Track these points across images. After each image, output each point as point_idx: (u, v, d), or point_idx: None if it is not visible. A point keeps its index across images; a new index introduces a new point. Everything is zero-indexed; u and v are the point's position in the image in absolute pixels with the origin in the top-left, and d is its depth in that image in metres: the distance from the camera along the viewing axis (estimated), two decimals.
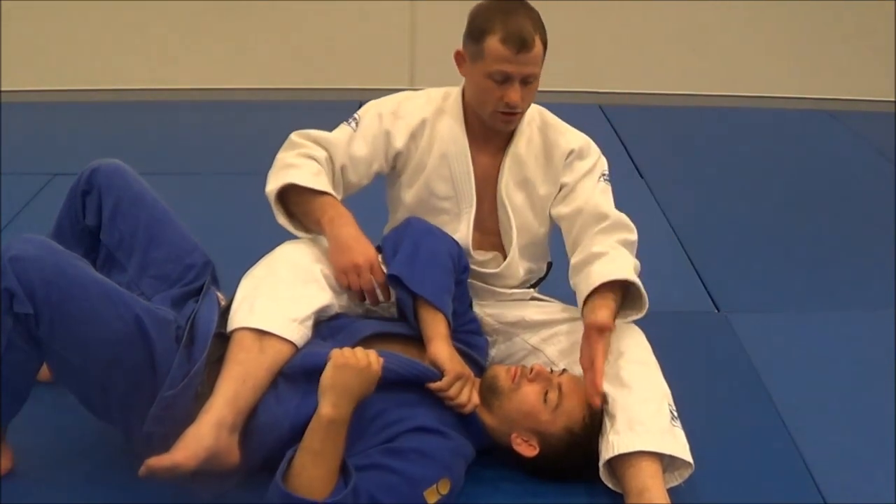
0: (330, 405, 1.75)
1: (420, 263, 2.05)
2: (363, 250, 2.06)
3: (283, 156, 2.18)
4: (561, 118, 2.29)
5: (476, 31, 2.05)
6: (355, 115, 2.23)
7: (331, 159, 2.18)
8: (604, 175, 2.25)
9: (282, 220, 2.16)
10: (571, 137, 2.24)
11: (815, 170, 4.01)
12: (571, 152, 2.21)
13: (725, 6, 4.72)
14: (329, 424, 1.75)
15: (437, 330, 2.01)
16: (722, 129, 4.55)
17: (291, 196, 2.14)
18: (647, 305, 2.13)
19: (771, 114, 4.73)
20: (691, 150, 4.25)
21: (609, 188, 2.26)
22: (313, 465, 1.74)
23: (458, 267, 2.13)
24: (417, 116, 2.20)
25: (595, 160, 2.24)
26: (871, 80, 4.80)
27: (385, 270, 2.08)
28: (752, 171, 3.98)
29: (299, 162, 2.15)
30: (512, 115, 2.10)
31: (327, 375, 1.77)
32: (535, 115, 2.23)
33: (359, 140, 2.19)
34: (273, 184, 2.14)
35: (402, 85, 4.70)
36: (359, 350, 1.80)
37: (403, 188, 2.25)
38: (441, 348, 1.98)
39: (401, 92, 2.27)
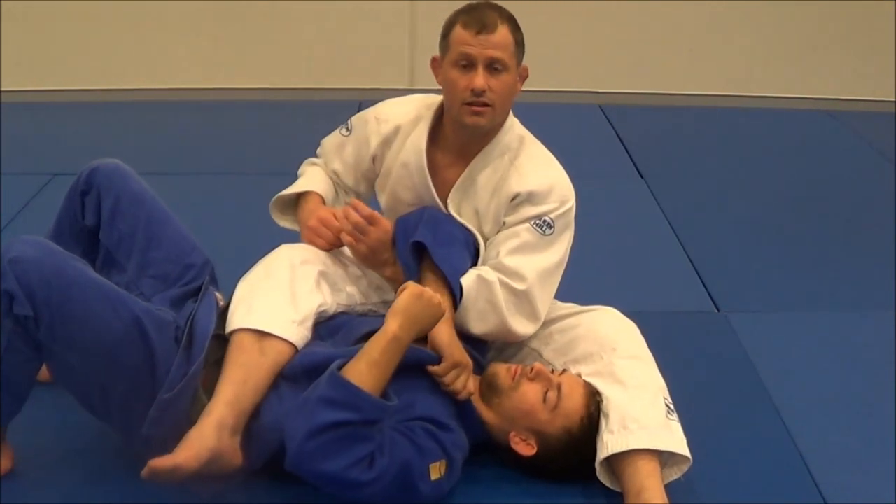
0: (397, 325, 1.84)
1: (441, 240, 2.06)
2: (319, 210, 2.17)
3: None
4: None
5: (445, 29, 2.09)
6: (349, 121, 2.29)
7: (326, 165, 2.31)
8: (548, 223, 2.08)
9: (285, 224, 2.33)
10: (531, 179, 2.10)
11: (815, 170, 4.01)
12: (517, 196, 2.09)
13: (725, 6, 4.72)
14: (392, 340, 1.82)
15: None
16: (722, 129, 4.55)
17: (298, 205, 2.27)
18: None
19: (771, 114, 4.73)
20: (691, 150, 4.25)
21: (542, 240, 2.07)
22: (368, 370, 1.79)
23: (473, 254, 2.13)
24: (393, 122, 2.20)
25: (548, 208, 2.08)
26: (871, 80, 4.80)
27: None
28: (752, 171, 3.98)
29: (303, 170, 2.33)
30: (480, 109, 2.04)
31: (402, 300, 1.86)
32: (514, 142, 2.14)
33: (350, 145, 2.26)
34: (274, 198, 2.30)
35: (402, 85, 4.70)
36: (429, 289, 1.90)
37: (378, 193, 2.28)
38: (442, 332, 1.97)
39: (398, 98, 2.27)
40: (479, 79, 2.02)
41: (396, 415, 1.86)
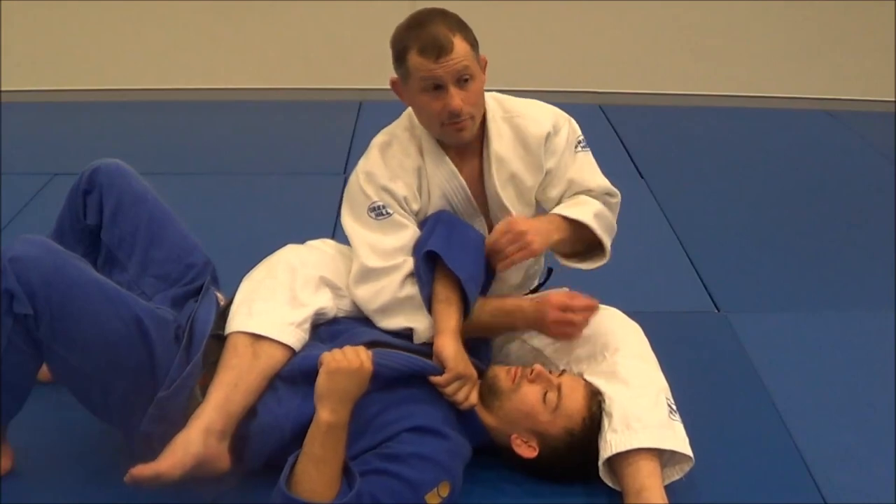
0: (328, 411, 1.76)
1: (456, 246, 2.04)
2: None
3: (383, 287, 2.07)
4: None
5: (398, 54, 2.02)
6: (379, 204, 2.08)
7: (399, 267, 2.10)
8: (579, 142, 2.21)
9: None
10: (540, 119, 2.17)
11: (815, 170, 4.01)
12: (547, 136, 2.15)
13: (726, 6, 4.72)
14: (329, 429, 1.75)
15: (447, 322, 2.00)
16: (722, 129, 4.55)
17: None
18: (608, 255, 2.22)
19: (771, 114, 4.73)
20: (691, 150, 4.24)
21: (588, 155, 2.23)
22: (316, 471, 1.74)
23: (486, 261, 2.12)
24: (411, 169, 2.12)
25: (567, 131, 2.19)
26: (871, 80, 4.80)
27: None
28: (752, 171, 3.97)
29: (412, 292, 2.07)
30: (461, 124, 2.02)
31: (321, 382, 1.77)
32: (495, 107, 2.15)
33: (402, 219, 2.11)
34: (417, 323, 2.07)
35: None
36: (348, 350, 1.80)
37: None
38: (448, 344, 1.97)
39: (370, 148, 2.15)
40: (455, 100, 1.98)
41: (389, 427, 1.86)
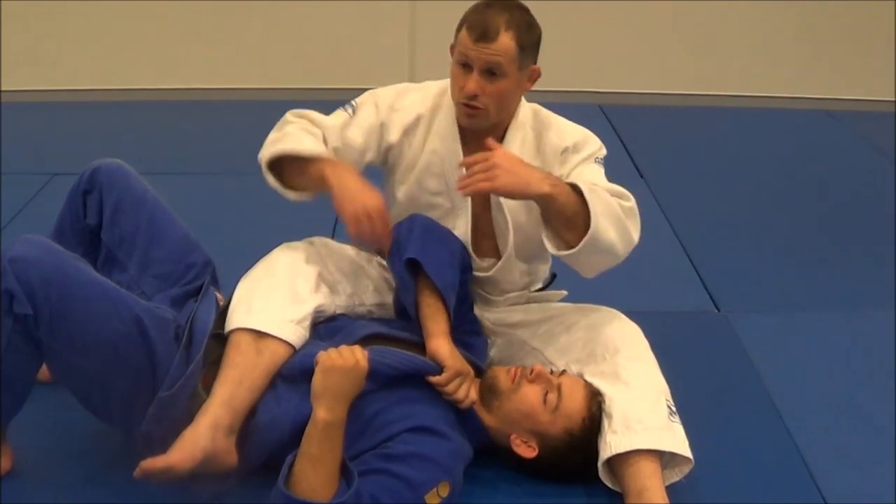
0: (324, 409, 1.76)
1: (431, 255, 2.05)
2: (372, 195, 2.01)
3: (278, 132, 2.18)
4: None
5: (460, 23, 2.09)
6: (353, 102, 2.21)
7: (325, 139, 2.16)
8: (597, 159, 2.19)
9: (273, 183, 2.15)
10: (568, 134, 2.19)
11: (816, 170, 4.01)
12: (566, 150, 2.17)
13: (726, 6, 4.72)
14: (326, 428, 1.75)
15: (438, 326, 2.01)
16: (722, 129, 4.55)
17: (286, 166, 2.12)
18: (591, 227, 1.96)
19: (771, 114, 4.73)
20: (691, 150, 4.25)
21: (601, 169, 2.18)
22: (314, 470, 1.74)
23: (463, 265, 2.13)
24: (413, 112, 2.18)
25: (589, 150, 2.18)
26: (871, 80, 4.80)
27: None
28: (752, 171, 3.98)
29: (296, 133, 2.14)
30: (473, 110, 2.06)
31: (317, 381, 1.77)
32: (528, 115, 2.19)
33: (354, 127, 2.18)
34: (268, 151, 2.13)
35: None
36: (344, 349, 1.81)
37: (396, 185, 2.24)
38: (442, 344, 1.98)
39: (401, 84, 2.25)
40: (472, 84, 2.03)
41: (389, 427, 1.86)
